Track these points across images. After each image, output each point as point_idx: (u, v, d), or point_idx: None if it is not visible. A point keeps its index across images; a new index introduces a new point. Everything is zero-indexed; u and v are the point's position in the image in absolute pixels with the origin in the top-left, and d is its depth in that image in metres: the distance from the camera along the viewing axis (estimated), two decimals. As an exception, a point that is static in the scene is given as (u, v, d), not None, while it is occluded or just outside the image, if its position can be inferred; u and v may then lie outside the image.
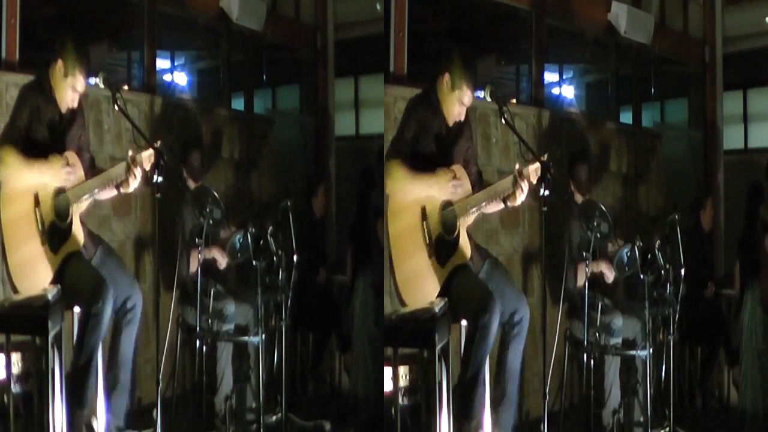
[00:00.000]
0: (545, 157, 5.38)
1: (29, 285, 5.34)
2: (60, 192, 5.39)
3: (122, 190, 5.42)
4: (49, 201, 5.36)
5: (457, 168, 5.58)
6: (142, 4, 6.61)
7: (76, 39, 5.46)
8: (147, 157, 5.31)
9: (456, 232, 5.55)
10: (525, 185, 5.40)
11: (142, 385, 6.45)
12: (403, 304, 5.51)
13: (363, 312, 6.61)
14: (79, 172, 5.43)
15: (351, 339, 7.17)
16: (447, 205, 5.55)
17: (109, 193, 5.49)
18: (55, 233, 5.38)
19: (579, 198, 6.50)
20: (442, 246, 5.54)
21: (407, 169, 5.50)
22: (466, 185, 5.58)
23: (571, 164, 6.59)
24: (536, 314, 6.28)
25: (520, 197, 5.45)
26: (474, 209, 5.55)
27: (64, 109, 5.43)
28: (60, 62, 5.38)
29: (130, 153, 5.35)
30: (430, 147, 5.56)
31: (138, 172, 5.33)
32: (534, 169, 5.36)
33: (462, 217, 5.55)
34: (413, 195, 5.50)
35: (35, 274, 5.35)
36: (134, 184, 5.38)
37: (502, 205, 5.55)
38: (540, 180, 5.36)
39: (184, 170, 6.43)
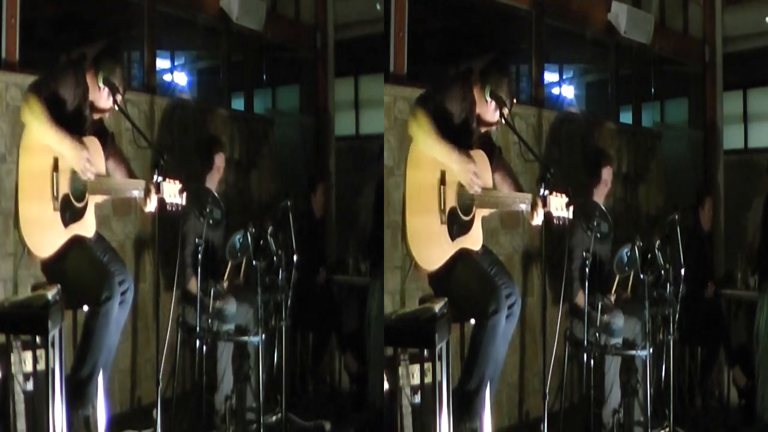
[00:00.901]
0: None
1: (36, 242, 5.36)
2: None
3: (140, 202, 5.45)
4: (68, 173, 5.37)
5: (481, 157, 5.58)
6: (142, 4, 6.61)
7: (115, 51, 5.51)
8: (169, 189, 5.33)
9: (471, 215, 5.55)
10: (541, 212, 5.40)
11: (142, 385, 6.46)
12: (410, 255, 5.48)
13: (379, 315, 6.57)
14: (99, 166, 5.43)
15: (352, 339, 7.18)
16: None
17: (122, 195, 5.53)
18: (68, 208, 5.39)
19: (600, 198, 6.50)
20: (454, 221, 5.54)
21: (433, 123, 5.47)
22: (486, 178, 5.57)
23: (595, 165, 6.58)
24: (536, 314, 6.29)
25: (536, 220, 5.47)
26: (491, 204, 5.55)
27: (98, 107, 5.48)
28: (105, 88, 5.42)
29: (155, 177, 5.37)
30: (457, 128, 5.55)
31: (154, 198, 5.35)
32: (559, 204, 5.35)
33: (477, 206, 5.55)
34: (433, 152, 5.48)
35: (44, 235, 5.36)
36: (150, 206, 5.40)
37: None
38: (540, 180, 5.37)
39: (207, 171, 6.46)
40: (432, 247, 5.52)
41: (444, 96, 5.57)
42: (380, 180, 6.56)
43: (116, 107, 5.46)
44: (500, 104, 5.55)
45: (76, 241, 5.44)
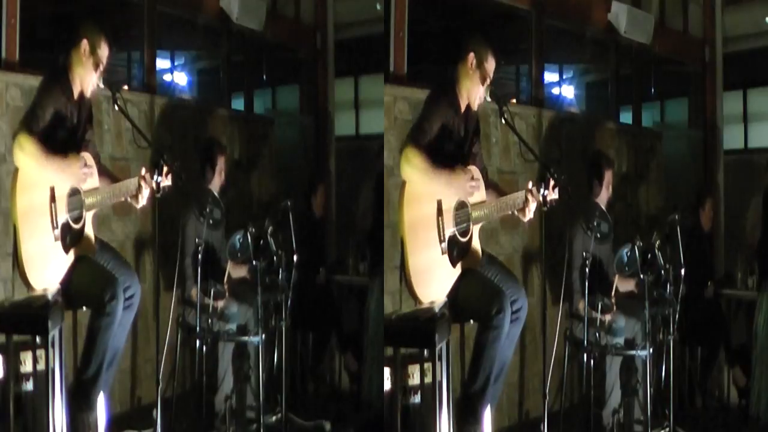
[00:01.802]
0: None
1: (40, 278, 5.32)
2: (75, 192, 5.40)
3: (131, 201, 5.46)
4: (65, 199, 5.37)
5: (474, 170, 5.57)
6: (142, 4, 6.61)
7: (96, 19, 5.49)
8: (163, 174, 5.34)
9: (469, 235, 5.55)
10: (533, 205, 5.39)
11: (142, 385, 6.46)
12: (413, 294, 5.47)
13: (377, 315, 6.57)
14: (95, 175, 5.46)
15: (352, 339, 7.18)
16: (461, 205, 5.53)
17: (119, 198, 5.53)
18: (68, 233, 5.38)
19: (603, 199, 6.49)
20: (454, 246, 5.52)
21: (425, 159, 5.44)
22: (482, 188, 5.57)
23: (597, 167, 6.58)
24: (536, 314, 6.29)
25: (529, 215, 5.45)
26: (487, 216, 5.54)
27: (88, 93, 5.44)
28: (84, 41, 5.39)
29: (143, 171, 5.37)
30: (450, 145, 5.54)
31: (146, 191, 5.36)
32: (550, 186, 5.34)
33: (475, 222, 5.54)
34: (430, 187, 5.46)
35: (47, 269, 5.33)
36: (143, 201, 5.41)
37: (509, 211, 5.55)
38: (540, 180, 5.36)
39: (209, 173, 6.46)
40: (435, 281, 5.49)
41: (432, 118, 5.52)
42: (378, 179, 6.56)
43: (116, 107, 5.46)
44: (500, 104, 5.55)
45: (78, 260, 5.44)
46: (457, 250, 5.53)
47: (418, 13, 6.23)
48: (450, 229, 5.50)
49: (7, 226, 5.45)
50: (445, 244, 5.48)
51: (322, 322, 7.24)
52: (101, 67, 5.43)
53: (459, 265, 5.54)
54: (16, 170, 5.29)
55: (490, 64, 5.55)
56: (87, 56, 5.40)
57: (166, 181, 5.37)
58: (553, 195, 5.37)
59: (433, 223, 5.47)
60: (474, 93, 5.56)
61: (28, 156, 5.24)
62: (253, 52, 7.35)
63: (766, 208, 6.81)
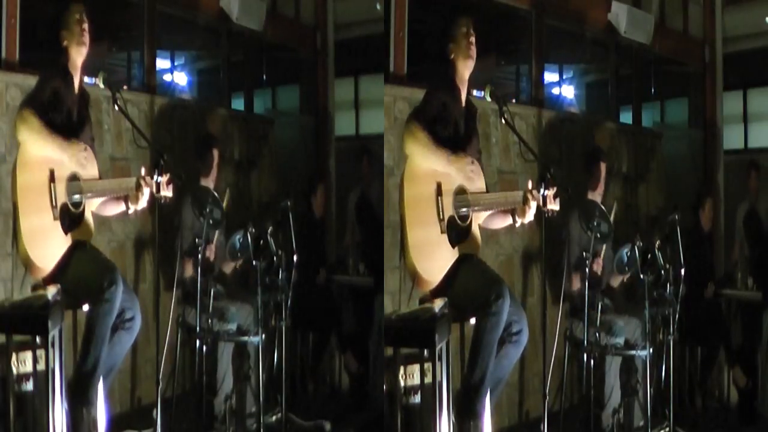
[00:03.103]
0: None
1: (40, 254, 5.33)
2: (74, 178, 5.41)
3: (130, 205, 5.45)
4: (64, 182, 5.38)
5: (475, 164, 5.58)
6: (142, 4, 6.61)
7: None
8: (164, 182, 5.33)
9: (468, 221, 5.55)
10: (533, 205, 5.38)
11: (142, 385, 6.46)
12: (412, 270, 5.47)
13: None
14: (95, 164, 5.47)
15: (352, 339, 7.18)
16: (461, 191, 5.54)
17: (118, 208, 5.52)
18: (66, 216, 5.39)
19: (597, 195, 6.48)
20: (453, 229, 5.53)
21: (428, 135, 5.49)
22: (482, 178, 5.58)
23: (592, 162, 6.57)
24: (536, 314, 6.29)
25: (529, 216, 5.44)
26: (486, 205, 5.54)
27: (78, 62, 5.47)
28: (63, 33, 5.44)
29: (143, 171, 5.38)
30: (449, 130, 5.56)
31: (146, 192, 5.36)
32: (551, 195, 5.33)
33: (474, 208, 5.54)
34: (432, 164, 5.49)
35: (47, 245, 5.35)
36: (142, 202, 5.41)
37: (510, 220, 5.54)
38: (540, 180, 5.36)
39: (207, 168, 6.45)
40: (434, 257, 5.50)
41: (433, 102, 5.55)
42: (361, 193, 6.56)
43: (116, 107, 5.47)
44: (500, 104, 5.55)
45: (77, 245, 5.44)
46: (455, 233, 5.53)
47: (418, 13, 6.24)
48: (449, 212, 5.51)
49: (7, 225, 5.46)
50: (444, 224, 5.49)
51: (322, 322, 7.25)
52: (83, 30, 5.47)
53: (457, 249, 5.54)
54: (19, 146, 5.32)
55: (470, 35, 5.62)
56: (70, 40, 5.44)
57: (168, 192, 5.36)
58: (554, 206, 5.35)
59: (433, 203, 5.48)
60: (466, 63, 5.61)
61: (31, 129, 5.30)
62: (253, 52, 7.35)
63: (746, 228, 6.84)
